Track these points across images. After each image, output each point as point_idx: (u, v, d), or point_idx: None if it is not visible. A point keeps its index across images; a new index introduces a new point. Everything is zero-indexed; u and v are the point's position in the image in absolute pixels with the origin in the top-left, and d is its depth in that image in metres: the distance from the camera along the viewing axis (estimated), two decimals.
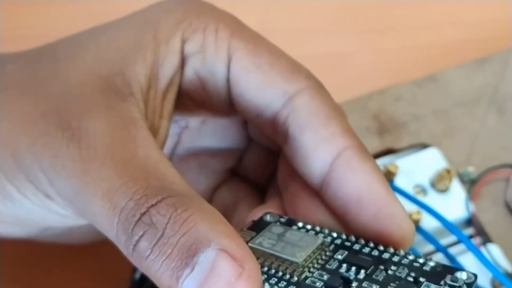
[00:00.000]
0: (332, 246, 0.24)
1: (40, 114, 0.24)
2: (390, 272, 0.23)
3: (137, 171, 0.22)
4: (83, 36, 0.26)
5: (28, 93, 0.25)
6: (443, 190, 0.35)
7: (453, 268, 0.23)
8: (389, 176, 0.34)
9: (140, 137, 0.23)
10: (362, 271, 0.23)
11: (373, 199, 0.24)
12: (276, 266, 0.22)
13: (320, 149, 0.25)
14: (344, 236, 0.24)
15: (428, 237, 0.33)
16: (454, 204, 0.35)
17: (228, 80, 0.26)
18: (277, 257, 0.23)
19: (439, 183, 0.35)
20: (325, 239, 0.24)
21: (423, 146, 0.37)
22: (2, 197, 0.25)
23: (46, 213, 0.25)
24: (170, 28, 0.26)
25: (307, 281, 0.22)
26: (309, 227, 0.25)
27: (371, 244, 0.24)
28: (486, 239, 0.34)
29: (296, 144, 0.25)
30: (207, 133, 0.30)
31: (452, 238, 0.34)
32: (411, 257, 0.23)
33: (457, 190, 0.35)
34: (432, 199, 0.34)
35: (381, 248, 0.24)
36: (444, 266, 0.23)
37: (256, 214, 0.26)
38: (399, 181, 0.35)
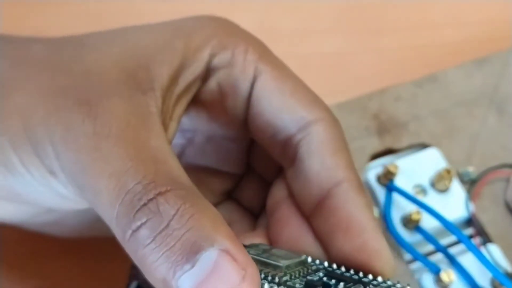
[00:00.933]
0: (314, 267, 0.25)
1: (58, 89, 0.24)
2: None
3: (148, 158, 0.22)
4: (112, 32, 0.27)
5: (49, 70, 0.25)
6: (443, 190, 0.35)
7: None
8: (389, 176, 0.34)
9: (154, 130, 0.24)
10: (342, 283, 0.23)
11: (361, 231, 0.25)
12: (259, 269, 0.22)
13: (322, 175, 0.26)
14: (326, 263, 0.25)
15: (428, 237, 0.33)
16: (454, 204, 0.35)
17: (248, 99, 0.28)
18: (262, 262, 0.23)
19: (439, 183, 0.35)
20: (308, 259, 0.25)
21: (423, 146, 0.37)
22: (4, 169, 0.25)
23: (45, 191, 0.25)
24: (201, 40, 0.27)
25: (288, 283, 0.23)
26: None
27: (352, 271, 0.25)
28: (486, 239, 0.34)
29: (302, 167, 0.27)
30: (211, 152, 0.30)
31: (452, 238, 0.34)
32: (389, 283, 0.24)
33: (457, 190, 0.35)
34: (432, 199, 0.34)
35: (361, 274, 0.24)
36: None
37: (244, 241, 0.26)
38: (399, 181, 0.35)
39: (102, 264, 0.35)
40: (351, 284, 0.23)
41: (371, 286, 0.24)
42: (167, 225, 0.21)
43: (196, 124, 0.29)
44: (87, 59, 0.25)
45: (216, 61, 0.27)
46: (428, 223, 0.33)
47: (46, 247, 0.36)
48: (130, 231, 0.21)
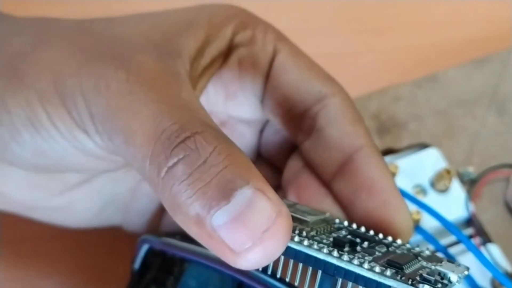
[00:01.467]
0: (337, 226, 0.25)
1: (90, 45, 0.25)
2: (390, 249, 0.24)
3: (182, 105, 0.23)
4: (139, 14, 0.28)
5: (80, 33, 0.26)
6: (443, 190, 0.35)
7: (447, 259, 0.24)
8: None
9: (184, 85, 0.24)
10: (366, 242, 0.24)
11: (383, 190, 0.26)
12: None
13: (344, 141, 0.27)
14: (346, 223, 0.26)
15: (428, 237, 0.33)
16: (454, 204, 0.35)
17: (267, 75, 0.29)
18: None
19: (439, 183, 0.35)
20: (331, 217, 0.26)
21: (423, 146, 0.37)
22: (31, 125, 0.25)
23: (69, 147, 0.25)
24: (224, 18, 0.28)
25: (315, 238, 0.23)
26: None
27: (372, 232, 0.25)
28: (486, 239, 0.34)
29: (321, 135, 0.28)
30: None
31: (452, 238, 0.34)
32: (408, 246, 0.25)
33: (457, 190, 0.35)
34: (432, 199, 0.34)
35: (381, 236, 0.25)
36: (440, 256, 0.25)
37: None
38: (399, 181, 0.35)
39: (102, 263, 0.35)
40: (374, 243, 0.24)
41: (393, 246, 0.24)
42: (205, 162, 0.21)
43: (213, 105, 0.30)
44: (116, 31, 0.26)
45: (238, 38, 0.28)
46: (428, 223, 0.33)
47: (46, 247, 0.36)
48: (166, 168, 0.21)
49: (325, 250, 0.22)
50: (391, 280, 0.21)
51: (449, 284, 0.22)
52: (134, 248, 0.31)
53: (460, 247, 0.34)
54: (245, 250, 0.20)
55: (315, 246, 0.22)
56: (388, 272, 0.21)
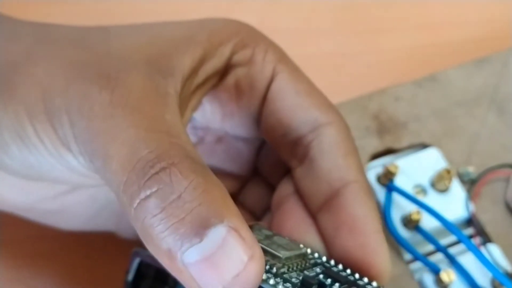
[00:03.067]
0: (313, 261, 0.25)
1: (79, 63, 0.25)
2: None
3: (163, 130, 0.22)
4: (138, 25, 0.28)
5: (72, 46, 0.26)
6: (443, 190, 0.35)
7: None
8: (389, 176, 0.34)
9: (170, 106, 0.24)
10: (337, 284, 0.23)
11: (365, 231, 0.26)
12: None
13: (333, 174, 0.27)
14: (325, 258, 0.26)
15: (428, 237, 0.33)
16: (454, 204, 0.35)
17: (264, 97, 0.28)
18: (263, 249, 0.23)
19: (439, 183, 0.35)
20: (308, 252, 0.26)
21: (423, 146, 0.37)
22: (20, 140, 0.25)
23: (56, 163, 0.25)
24: (224, 36, 0.28)
25: (285, 275, 0.23)
26: (296, 243, 0.26)
27: (348, 271, 0.25)
28: (486, 239, 0.34)
29: (313, 165, 0.27)
30: (220, 152, 0.31)
31: (452, 238, 0.34)
32: None
33: (457, 190, 0.35)
34: (432, 199, 0.34)
35: (357, 276, 0.25)
36: None
37: None
38: (399, 181, 0.35)
39: (102, 264, 0.35)
40: (346, 285, 0.24)
41: None
42: (179, 197, 0.21)
43: (209, 122, 0.30)
44: (111, 43, 0.26)
45: (237, 58, 0.28)
46: (428, 223, 0.33)
47: (46, 247, 0.36)
48: (138, 200, 0.21)
49: None
50: None
51: None
52: (134, 246, 0.31)
53: (460, 247, 0.34)
54: None
55: (280, 286, 0.22)
56: None
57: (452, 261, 0.33)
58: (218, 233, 0.21)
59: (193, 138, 0.31)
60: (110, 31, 0.27)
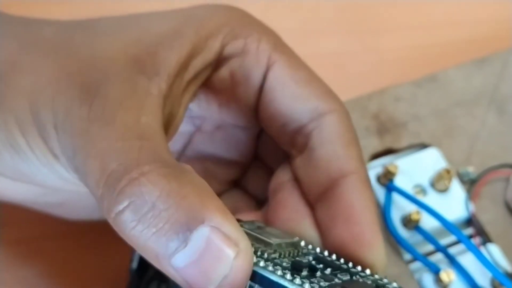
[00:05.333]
0: (305, 251, 0.25)
1: (65, 73, 0.25)
2: (354, 278, 0.24)
3: (134, 136, 0.22)
4: (123, 18, 0.27)
5: (59, 53, 0.26)
6: (443, 190, 0.35)
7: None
8: (389, 176, 0.34)
9: (147, 108, 0.24)
10: (329, 269, 0.24)
11: (360, 221, 0.26)
12: (251, 243, 0.22)
13: (333, 164, 0.27)
14: (318, 250, 0.25)
15: (427, 237, 0.33)
16: (453, 204, 0.35)
17: (261, 88, 0.28)
18: (254, 237, 0.23)
19: (438, 183, 0.35)
20: (300, 242, 0.25)
21: (423, 146, 0.37)
22: (11, 148, 0.25)
23: (49, 173, 0.25)
24: (213, 28, 0.27)
25: (276, 260, 0.23)
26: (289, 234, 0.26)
27: (342, 260, 0.25)
28: (486, 239, 0.34)
29: (312, 155, 0.27)
30: (219, 140, 0.31)
31: (451, 238, 0.34)
32: (377, 276, 0.24)
33: (456, 190, 0.35)
34: (432, 199, 0.34)
35: (350, 265, 0.25)
36: None
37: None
38: (398, 181, 0.35)
39: (102, 264, 0.35)
40: (339, 271, 0.24)
41: (357, 276, 0.24)
42: (153, 207, 0.21)
43: (206, 111, 0.29)
44: (95, 44, 0.26)
45: (228, 49, 0.27)
46: (428, 223, 0.33)
47: (46, 247, 0.36)
48: (113, 214, 0.21)
49: (279, 272, 0.22)
50: None
51: None
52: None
53: (460, 247, 0.34)
54: None
55: (270, 268, 0.22)
56: None
57: (452, 261, 0.33)
58: (200, 235, 0.21)
59: (191, 127, 0.30)
60: (96, 30, 0.26)
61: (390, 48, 0.45)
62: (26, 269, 0.35)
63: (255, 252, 0.23)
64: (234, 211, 0.30)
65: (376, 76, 0.43)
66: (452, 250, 0.33)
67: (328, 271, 0.23)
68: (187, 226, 0.21)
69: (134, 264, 0.29)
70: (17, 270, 0.35)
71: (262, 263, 0.22)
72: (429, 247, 0.34)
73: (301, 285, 0.21)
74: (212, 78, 0.28)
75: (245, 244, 0.21)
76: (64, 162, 0.24)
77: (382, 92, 0.38)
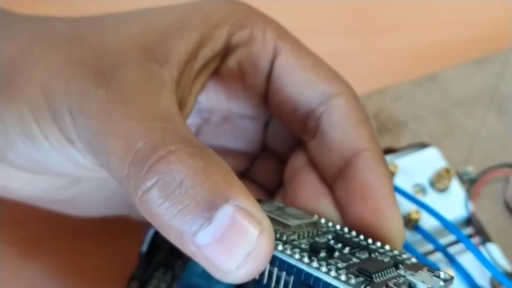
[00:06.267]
0: (325, 229, 0.25)
1: (77, 60, 0.25)
2: (372, 255, 0.24)
3: (157, 118, 0.23)
4: (131, 13, 0.28)
5: (70, 42, 0.26)
6: (443, 190, 0.35)
7: (434, 268, 0.24)
8: None
9: (164, 93, 0.24)
10: (348, 248, 0.24)
11: (376, 196, 0.26)
12: None
13: (345, 145, 0.27)
14: (338, 227, 0.26)
15: (427, 236, 0.33)
16: (453, 203, 0.35)
17: (269, 75, 0.28)
18: (272, 219, 0.24)
19: (438, 182, 0.35)
20: (320, 220, 0.26)
21: (423, 145, 0.37)
22: (25, 136, 0.25)
23: (63, 160, 0.26)
24: (219, 18, 0.27)
25: (294, 242, 0.23)
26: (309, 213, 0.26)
27: (362, 237, 0.25)
28: (485, 239, 0.34)
29: (324, 138, 0.27)
30: (227, 131, 0.31)
31: (451, 237, 0.34)
32: (396, 252, 0.25)
33: (456, 189, 0.35)
34: (432, 199, 0.34)
35: (370, 241, 0.25)
36: (425, 264, 0.24)
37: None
38: (398, 181, 0.35)
39: (102, 264, 0.35)
40: (357, 249, 0.24)
41: (376, 253, 0.24)
42: (180, 184, 0.21)
43: (214, 103, 0.30)
44: (106, 36, 0.26)
45: (235, 39, 0.28)
46: (428, 222, 0.33)
47: (46, 247, 0.36)
48: (141, 192, 0.21)
49: (296, 256, 0.22)
50: None
51: None
52: (134, 248, 0.31)
53: (460, 246, 0.34)
54: (230, 271, 0.21)
55: (288, 252, 0.22)
56: (353, 281, 0.21)
57: (452, 260, 0.33)
58: (225, 213, 0.21)
59: (198, 120, 0.31)
60: (104, 22, 0.27)
61: (390, 48, 0.45)
62: (26, 269, 0.35)
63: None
64: None
65: (376, 76, 0.43)
66: (451, 250, 0.33)
67: (346, 250, 0.24)
68: (212, 205, 0.21)
69: (144, 248, 0.29)
70: (17, 270, 0.35)
71: (280, 247, 0.22)
72: (429, 247, 0.34)
73: (318, 268, 0.22)
74: (220, 68, 0.28)
75: (267, 223, 0.21)
76: (80, 146, 0.24)
77: (382, 92, 0.39)
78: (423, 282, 0.22)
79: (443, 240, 0.34)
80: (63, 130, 0.24)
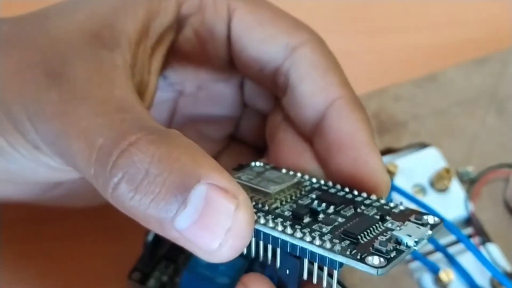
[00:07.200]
0: (308, 188, 0.25)
1: (27, 65, 0.24)
2: (358, 210, 0.23)
3: (113, 110, 0.22)
4: (74, 0, 0.27)
5: (18, 47, 0.25)
6: (443, 190, 0.35)
7: (422, 212, 0.23)
8: (388, 175, 0.34)
9: (117, 81, 0.23)
10: (332, 207, 0.23)
11: (353, 145, 0.25)
12: (250, 197, 0.22)
13: (315, 97, 0.26)
14: (322, 182, 0.25)
15: None
16: (453, 203, 0.35)
17: (228, 38, 0.27)
18: (252, 189, 0.24)
19: (438, 182, 0.35)
20: (302, 179, 0.25)
21: (423, 145, 0.37)
22: None
23: (36, 166, 0.25)
24: None
25: (277, 211, 0.23)
26: (291, 172, 0.26)
27: (347, 189, 0.25)
28: (485, 239, 0.34)
29: (295, 93, 0.27)
30: (203, 99, 0.30)
31: (451, 237, 0.34)
32: (382, 201, 0.24)
33: (456, 189, 0.35)
34: (432, 199, 0.34)
35: (355, 193, 0.25)
36: (413, 210, 0.23)
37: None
38: (398, 181, 0.35)
39: (102, 264, 0.35)
40: (342, 206, 0.24)
41: (362, 206, 0.24)
42: (146, 173, 0.21)
43: (183, 76, 0.29)
44: (52, 29, 0.25)
45: (185, 9, 0.27)
46: None
47: (46, 247, 0.36)
48: (110, 189, 0.21)
49: (279, 228, 0.22)
50: (340, 256, 0.21)
51: (406, 249, 0.21)
52: (134, 248, 0.31)
53: (460, 246, 0.34)
54: (214, 250, 0.21)
55: (271, 224, 0.22)
56: (338, 247, 0.21)
57: (451, 260, 0.33)
58: (199, 193, 0.21)
59: (173, 94, 0.30)
60: (49, 16, 0.26)
61: (390, 48, 0.45)
62: (26, 269, 0.35)
63: (255, 206, 0.23)
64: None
65: (376, 76, 0.43)
66: (451, 250, 0.33)
67: (331, 209, 0.23)
68: (184, 187, 0.21)
69: (150, 237, 0.29)
70: (17, 270, 0.35)
71: (262, 220, 0.22)
72: (428, 247, 0.34)
73: (302, 238, 0.21)
74: (178, 41, 0.28)
75: (243, 196, 0.21)
76: (47, 151, 0.24)
77: (382, 92, 0.39)
78: (409, 235, 0.21)
79: (443, 240, 0.34)
80: (27, 138, 0.24)
